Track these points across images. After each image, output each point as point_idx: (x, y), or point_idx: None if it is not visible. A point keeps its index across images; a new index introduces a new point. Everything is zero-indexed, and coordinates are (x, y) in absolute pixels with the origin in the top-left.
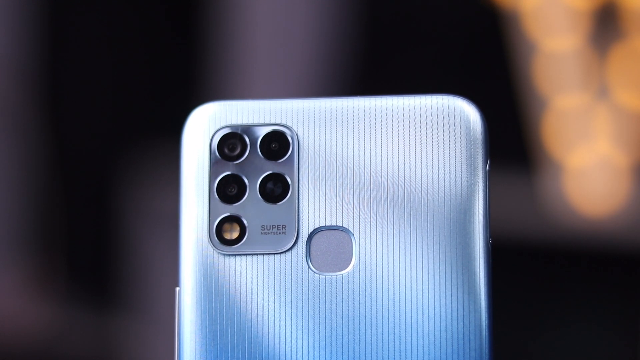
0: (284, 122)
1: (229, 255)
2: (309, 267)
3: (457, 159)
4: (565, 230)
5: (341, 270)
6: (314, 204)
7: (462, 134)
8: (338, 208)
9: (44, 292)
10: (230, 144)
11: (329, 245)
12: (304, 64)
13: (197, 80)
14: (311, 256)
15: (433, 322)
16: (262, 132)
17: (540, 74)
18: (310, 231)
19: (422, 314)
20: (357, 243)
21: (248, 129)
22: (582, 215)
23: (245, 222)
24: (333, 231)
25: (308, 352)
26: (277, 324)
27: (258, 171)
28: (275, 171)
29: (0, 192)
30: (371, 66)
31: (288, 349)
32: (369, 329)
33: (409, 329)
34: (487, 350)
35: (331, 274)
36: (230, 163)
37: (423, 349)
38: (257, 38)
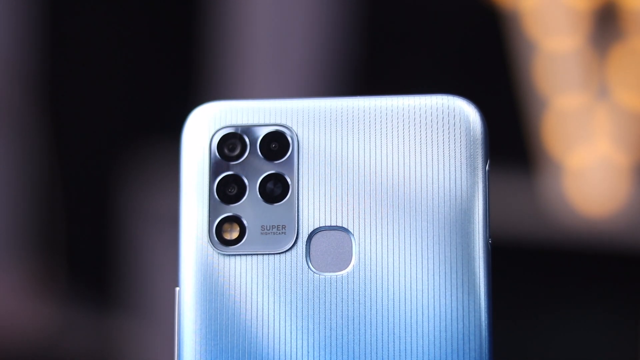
0: (284, 122)
1: (229, 255)
2: (308, 267)
3: (457, 159)
4: (565, 230)
5: (341, 270)
6: (313, 204)
7: (462, 134)
8: (338, 208)
9: (44, 292)
10: (230, 144)
11: (329, 245)
12: (304, 64)
13: (197, 80)
14: (311, 256)
15: (433, 322)
16: (262, 132)
17: (540, 74)
18: (310, 231)
19: (422, 314)
20: (357, 243)
21: (248, 129)
22: (582, 215)
23: (245, 222)
24: (333, 231)
25: (308, 352)
26: (276, 324)
27: (258, 171)
28: (275, 171)
29: (0, 192)
30: (371, 66)
31: (288, 349)
32: (368, 329)
33: (409, 329)
34: (487, 350)
35: (331, 274)
36: (230, 163)
37: (423, 349)
38: (257, 38)
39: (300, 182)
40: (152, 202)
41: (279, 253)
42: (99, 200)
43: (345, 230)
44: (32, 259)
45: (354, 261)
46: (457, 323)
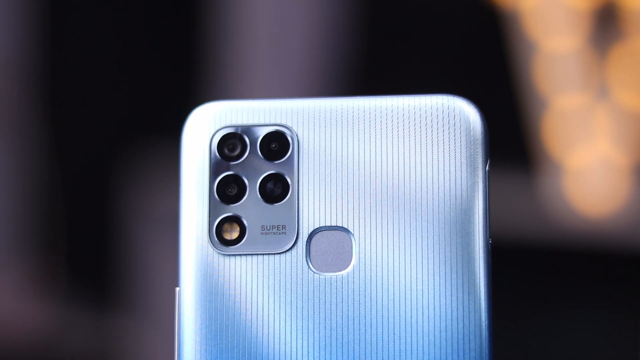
0: (284, 122)
1: (229, 255)
2: (308, 267)
3: (457, 159)
4: (565, 230)
5: (341, 270)
6: (313, 204)
7: (462, 134)
8: (338, 208)
9: (44, 292)
10: (230, 144)
11: (329, 245)
12: (304, 64)
13: (197, 80)
14: (311, 256)
15: (433, 322)
16: (262, 132)
17: (540, 74)
18: (310, 231)
19: (422, 314)
20: (357, 243)
21: (248, 129)
22: (582, 215)
23: (245, 222)
24: (333, 231)
25: (308, 352)
26: (276, 324)
27: (258, 171)
28: (275, 171)
29: (0, 192)
30: (371, 66)
31: (288, 349)
32: (368, 329)
33: (409, 329)
34: (487, 350)
35: (331, 274)
36: (230, 163)
37: (423, 349)
38: (257, 38)
39: (300, 182)
40: (152, 202)
41: (279, 253)
42: (99, 200)
43: (345, 230)
44: (32, 259)
45: (354, 261)
46: (457, 323)
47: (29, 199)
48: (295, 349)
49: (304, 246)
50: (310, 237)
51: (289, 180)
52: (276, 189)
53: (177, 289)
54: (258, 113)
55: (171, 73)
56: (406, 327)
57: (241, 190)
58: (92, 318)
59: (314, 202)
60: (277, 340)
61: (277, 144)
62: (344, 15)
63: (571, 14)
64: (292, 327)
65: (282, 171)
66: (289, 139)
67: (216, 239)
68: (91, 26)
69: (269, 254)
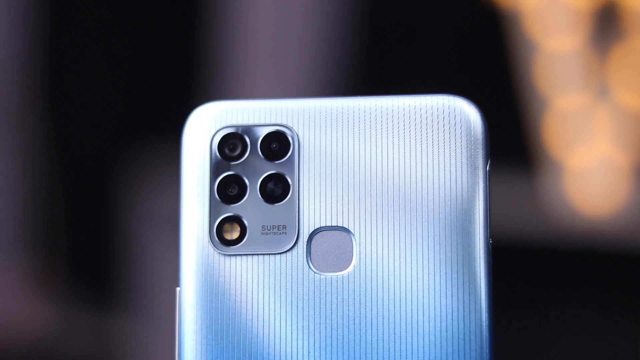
0: (284, 122)
1: (230, 255)
2: (309, 267)
3: (457, 159)
4: (565, 230)
5: (341, 270)
6: (314, 204)
7: (462, 134)
8: (338, 208)
9: (44, 293)
10: (231, 144)
11: (330, 245)
12: (304, 64)
13: (197, 80)
14: (311, 256)
15: (433, 322)
16: (262, 132)
17: (540, 74)
18: (310, 231)
19: (422, 314)
20: (358, 243)
21: (248, 129)
22: (582, 215)
23: (245, 222)
24: (333, 231)
25: (308, 352)
26: (277, 324)
27: (258, 171)
28: (276, 171)
29: (0, 192)
30: (371, 66)
31: (288, 349)
32: (369, 329)
33: (409, 329)
34: (487, 350)
35: (331, 274)
36: (231, 163)
37: (423, 349)
38: (257, 38)
39: (301, 182)
40: (152, 202)
41: (280, 253)
42: (99, 200)
43: (346, 230)
44: (32, 259)
45: (354, 261)
46: (458, 323)
47: (29, 199)
48: (295, 349)
49: (305, 246)
50: (311, 237)
51: (289, 180)
52: (277, 189)
53: (178, 289)
54: (258, 113)
55: (171, 73)
56: (406, 327)
57: (242, 190)
58: (92, 318)
59: (314, 202)
60: (277, 340)
61: (277, 144)
62: (344, 15)
63: (571, 14)
64: (293, 327)
65: (283, 171)
66: (290, 139)
67: (217, 239)
68: (91, 26)
69: (269, 254)
